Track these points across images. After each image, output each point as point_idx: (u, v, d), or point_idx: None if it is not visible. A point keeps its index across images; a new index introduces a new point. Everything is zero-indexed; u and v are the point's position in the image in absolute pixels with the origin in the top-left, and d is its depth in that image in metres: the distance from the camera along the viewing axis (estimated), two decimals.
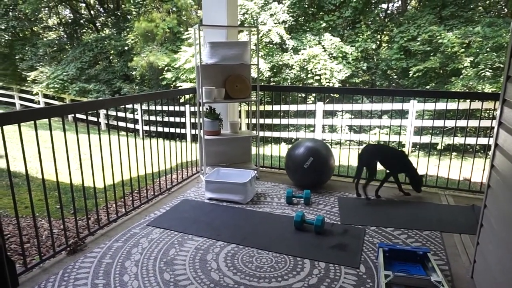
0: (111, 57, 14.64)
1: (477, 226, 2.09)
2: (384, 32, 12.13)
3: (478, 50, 8.88)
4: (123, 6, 15.23)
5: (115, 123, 10.38)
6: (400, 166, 3.37)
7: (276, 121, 9.10)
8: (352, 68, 10.94)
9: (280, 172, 4.20)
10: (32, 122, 2.17)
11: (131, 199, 3.22)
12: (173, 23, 12.39)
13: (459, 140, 7.02)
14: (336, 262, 2.29)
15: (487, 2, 10.76)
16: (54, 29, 16.93)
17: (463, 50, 9.10)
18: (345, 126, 9.71)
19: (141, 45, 12.79)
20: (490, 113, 9.00)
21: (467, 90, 8.66)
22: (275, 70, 11.10)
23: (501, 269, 1.67)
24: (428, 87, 10.08)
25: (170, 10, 13.22)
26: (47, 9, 15.98)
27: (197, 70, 3.70)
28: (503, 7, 10.90)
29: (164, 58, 11.63)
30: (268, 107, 8.44)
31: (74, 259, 2.33)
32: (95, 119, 11.04)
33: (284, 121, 9.50)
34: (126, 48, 13.61)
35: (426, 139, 7.75)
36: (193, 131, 5.25)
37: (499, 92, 2.00)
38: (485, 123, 7.47)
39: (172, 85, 11.20)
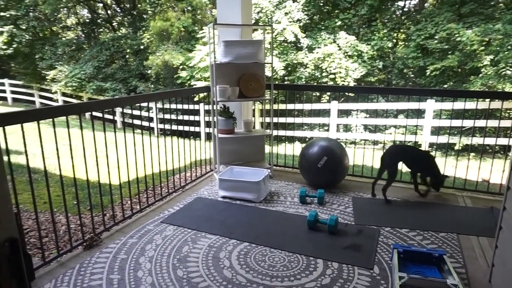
0: (127, 56, 14.84)
1: (496, 228, 2.04)
2: (401, 30, 11.93)
3: (498, 48, 8.63)
4: (139, 5, 15.41)
5: (131, 121, 10.53)
6: (423, 167, 3.28)
7: (290, 120, 9.07)
8: (368, 67, 10.80)
9: (293, 171, 4.19)
10: (51, 119, 2.22)
11: (145, 196, 3.26)
12: (188, 22, 12.47)
13: (477, 140, 6.85)
14: (349, 262, 2.27)
15: None
16: (72, 28, 17.27)
17: (482, 48, 8.87)
18: (360, 125, 9.60)
19: (156, 44, 12.92)
20: (511, 113, 8.76)
21: (486, 89, 8.45)
22: (289, 68, 11.05)
23: None
24: (445, 86, 9.88)
25: (185, 9, 13.31)
26: (65, 9, 16.31)
27: (211, 68, 3.72)
28: None
29: (179, 56, 11.72)
30: (282, 106, 8.42)
31: (90, 254, 2.38)
32: (111, 117, 11.22)
33: (298, 120, 9.46)
34: (141, 47, 13.77)
35: (443, 139, 7.60)
36: (207, 130, 5.28)
37: None
38: (505, 123, 7.27)
39: (186, 84, 11.28)
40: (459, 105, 7.23)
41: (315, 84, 10.83)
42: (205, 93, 4.47)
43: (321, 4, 11.96)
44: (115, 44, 14.31)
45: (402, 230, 2.71)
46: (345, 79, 10.39)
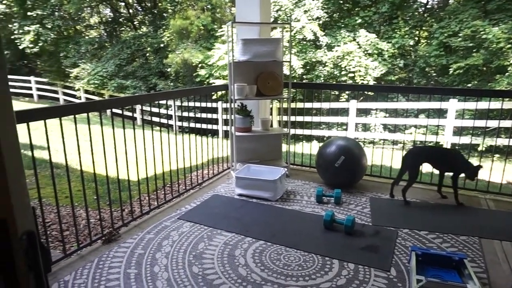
0: (147, 54, 15.07)
1: None
2: (423, 28, 11.64)
3: None
4: (159, 4, 15.62)
5: (151, 118, 10.69)
6: (453, 165, 3.13)
7: (308, 118, 9.01)
8: (388, 65, 10.61)
9: (310, 170, 4.16)
10: (79, 115, 2.28)
11: (163, 192, 3.31)
12: (207, 21, 12.56)
13: (502, 141, 6.62)
14: (366, 263, 2.24)
15: None
16: (95, 27, 17.69)
17: (509, 46, 8.57)
18: (379, 124, 9.45)
19: (176, 42, 13.07)
20: None
21: None
22: (308, 67, 10.97)
23: None
24: (469, 85, 9.59)
25: (205, 7, 13.40)
26: (89, 8, 16.71)
27: (229, 67, 3.73)
28: None
29: (198, 55, 11.82)
30: (300, 105, 8.37)
31: (108, 248, 2.43)
32: (131, 114, 11.43)
33: (316, 119, 9.39)
34: (162, 45, 13.96)
35: (466, 139, 7.38)
36: (225, 128, 5.31)
37: None
38: None
39: (205, 82, 11.37)
40: (483, 104, 7.01)
41: (334, 83, 10.72)
42: (223, 91, 4.49)
43: (341, 2, 11.81)
44: (136, 42, 14.57)
45: (421, 232, 2.66)
46: (364, 77, 10.24)
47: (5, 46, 17.59)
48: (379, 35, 11.08)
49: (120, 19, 17.27)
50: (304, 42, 11.09)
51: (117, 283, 2.05)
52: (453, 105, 7.47)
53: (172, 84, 13.52)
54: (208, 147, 3.87)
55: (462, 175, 3.11)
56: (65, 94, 15.62)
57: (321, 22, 11.42)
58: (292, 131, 4.26)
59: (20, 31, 15.29)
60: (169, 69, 13.20)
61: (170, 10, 14.77)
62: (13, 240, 0.51)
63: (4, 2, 15.84)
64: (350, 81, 10.25)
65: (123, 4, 16.98)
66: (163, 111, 9.54)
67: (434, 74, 11.23)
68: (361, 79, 10.20)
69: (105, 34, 17.38)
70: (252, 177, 3.35)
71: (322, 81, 10.77)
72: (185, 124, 10.05)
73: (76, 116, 2.30)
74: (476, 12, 9.71)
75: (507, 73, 8.61)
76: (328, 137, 7.70)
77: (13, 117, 0.58)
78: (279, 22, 10.87)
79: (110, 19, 17.49)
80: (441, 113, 7.95)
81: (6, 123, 0.54)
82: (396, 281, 2.07)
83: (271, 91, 3.82)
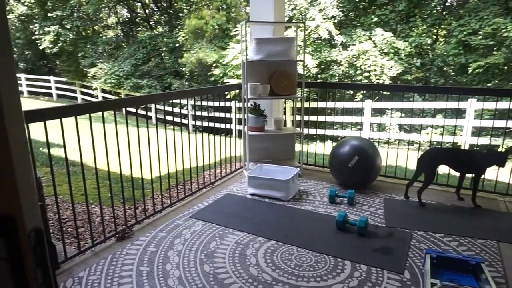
0: (163, 54, 15.25)
1: None
2: (441, 26, 11.40)
3: None
4: (175, 4, 15.77)
5: (166, 117, 10.80)
6: (474, 165, 3.01)
7: (321, 118, 8.95)
8: (405, 65, 10.43)
9: (324, 170, 4.13)
10: (94, 114, 2.32)
11: (176, 191, 3.34)
12: (222, 20, 12.61)
13: None
14: (378, 265, 2.21)
15: None
16: (112, 27, 18.00)
17: None
18: (394, 124, 9.30)
19: (191, 42, 13.17)
20: None
21: None
22: (322, 66, 10.89)
23: None
24: (489, 84, 9.34)
25: (220, 7, 13.46)
26: (107, 9, 17.02)
27: (242, 66, 3.73)
28: None
29: (213, 54, 11.88)
30: (314, 104, 8.31)
31: (122, 246, 2.47)
32: (146, 113, 11.57)
33: (330, 118, 9.31)
34: (177, 45, 14.10)
35: (485, 140, 7.20)
36: (238, 127, 5.32)
37: None
38: None
39: (220, 81, 11.42)
40: (503, 104, 6.81)
41: (348, 82, 10.61)
42: (237, 91, 4.50)
43: (357, 0, 11.67)
44: (151, 42, 14.75)
45: (436, 234, 2.60)
46: (380, 77, 10.10)
47: (27, 47, 18.16)
48: (395, 34, 10.91)
49: (137, 19, 17.52)
50: (319, 41, 11.01)
51: (130, 280, 2.08)
52: (472, 105, 7.29)
53: (187, 83, 13.64)
54: (221, 146, 3.89)
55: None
56: (83, 93, 15.95)
57: (336, 21, 11.32)
58: (306, 131, 4.24)
59: (41, 31, 15.70)
60: (184, 69, 13.31)
61: (185, 10, 14.90)
62: (21, 237, 0.52)
63: (26, 4, 16.27)
64: (365, 81, 10.13)
65: (139, 4, 17.22)
66: (177, 110, 9.63)
67: (453, 73, 10.99)
68: (376, 79, 10.06)
69: (122, 34, 17.67)
70: (264, 177, 3.34)
71: (337, 80, 10.67)
72: (199, 123, 10.13)
73: (92, 114, 2.35)
74: (498, 10, 9.45)
75: None
76: (342, 137, 7.63)
77: (21, 117, 0.59)
78: (294, 21, 10.83)
79: (127, 19, 17.78)
80: (459, 113, 7.78)
81: (15, 123, 0.55)
82: (409, 284, 2.03)
83: (284, 90, 3.80)
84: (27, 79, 16.79)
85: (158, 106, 11.80)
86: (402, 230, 2.67)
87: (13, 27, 17.47)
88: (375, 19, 11.10)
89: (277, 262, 2.27)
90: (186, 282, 2.06)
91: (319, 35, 10.65)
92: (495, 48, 9.10)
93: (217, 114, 7.83)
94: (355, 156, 3.30)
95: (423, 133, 8.45)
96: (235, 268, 2.20)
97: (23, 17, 17.08)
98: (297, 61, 3.90)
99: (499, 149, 6.97)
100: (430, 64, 10.89)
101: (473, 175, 3.05)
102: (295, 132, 4.02)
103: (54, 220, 3.36)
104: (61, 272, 2.17)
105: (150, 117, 12.30)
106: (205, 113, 8.62)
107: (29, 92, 16.80)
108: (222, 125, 9.16)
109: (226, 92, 9.75)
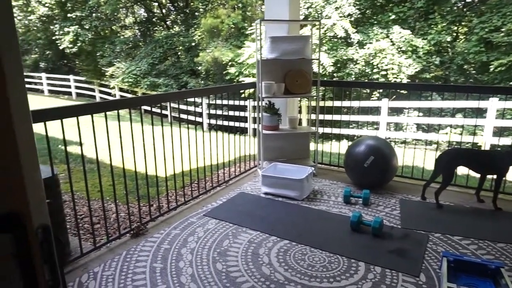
0: (179, 53, 15.38)
1: None
2: (462, 23, 11.11)
3: None
4: (191, 3, 15.88)
5: (182, 115, 10.89)
6: (492, 167, 2.93)
7: (337, 117, 8.85)
8: (423, 63, 10.21)
9: (339, 170, 4.08)
10: (111, 112, 2.35)
11: (190, 189, 3.36)
12: (237, 19, 12.62)
13: None
14: (393, 267, 2.17)
15: None
16: (129, 27, 18.26)
17: None
18: (412, 124, 9.13)
19: (207, 41, 13.23)
20: None
21: None
22: (338, 65, 10.77)
23: None
24: None
25: (236, 6, 13.47)
26: (124, 9, 17.28)
27: (257, 64, 3.72)
28: None
29: (228, 53, 11.91)
30: (330, 103, 8.23)
31: (136, 242, 2.50)
32: (163, 111, 11.70)
33: (346, 117, 9.20)
34: (193, 44, 14.19)
35: (506, 141, 6.98)
36: (253, 126, 5.32)
37: None
38: None
39: (235, 80, 11.43)
40: None
41: (365, 80, 10.47)
42: (252, 89, 4.49)
43: None
44: (168, 41, 14.89)
45: (454, 237, 2.53)
46: (397, 75, 9.92)
47: (47, 47, 18.61)
48: (413, 32, 10.69)
49: (154, 19, 17.72)
50: (335, 40, 10.89)
51: (143, 277, 2.10)
52: (493, 104, 7.08)
53: (202, 82, 13.71)
54: (236, 145, 3.89)
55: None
56: (101, 92, 16.25)
57: (352, 19, 11.17)
58: (321, 130, 4.19)
59: (61, 32, 16.05)
60: (200, 68, 13.38)
61: (201, 9, 14.98)
62: (29, 233, 0.53)
63: (46, 5, 16.67)
64: (382, 79, 9.96)
65: (156, 4, 17.42)
66: (192, 108, 9.70)
67: (473, 72, 10.69)
68: (394, 77, 9.88)
69: (139, 33, 17.90)
70: (278, 176, 3.33)
71: (353, 79, 10.54)
72: (214, 121, 10.17)
73: (109, 113, 2.38)
74: None
75: None
76: (358, 137, 7.54)
77: (29, 116, 0.60)
78: (309, 19, 10.75)
79: (144, 19, 18.00)
80: (479, 112, 7.57)
81: (22, 121, 0.56)
82: (425, 287, 1.99)
83: (299, 89, 3.77)
84: (48, 78, 17.22)
85: (173, 105, 11.91)
86: (419, 232, 2.61)
87: (35, 28, 17.94)
88: (393, 16, 10.90)
89: (290, 262, 2.25)
90: (198, 279, 2.07)
91: (335, 33, 10.53)
92: None
93: (232, 113, 7.85)
94: (371, 156, 3.25)
95: (441, 133, 8.26)
96: (248, 267, 2.20)
97: (44, 18, 17.50)
98: (312, 60, 3.87)
99: None
100: (450, 62, 10.63)
101: (495, 176, 2.95)
102: (309, 131, 3.99)
103: (71, 216, 3.43)
104: (76, 267, 2.22)
105: (166, 116, 12.43)
106: (220, 112, 8.65)
107: (50, 91, 17.25)
108: (237, 124, 9.18)
109: (241, 91, 9.76)
